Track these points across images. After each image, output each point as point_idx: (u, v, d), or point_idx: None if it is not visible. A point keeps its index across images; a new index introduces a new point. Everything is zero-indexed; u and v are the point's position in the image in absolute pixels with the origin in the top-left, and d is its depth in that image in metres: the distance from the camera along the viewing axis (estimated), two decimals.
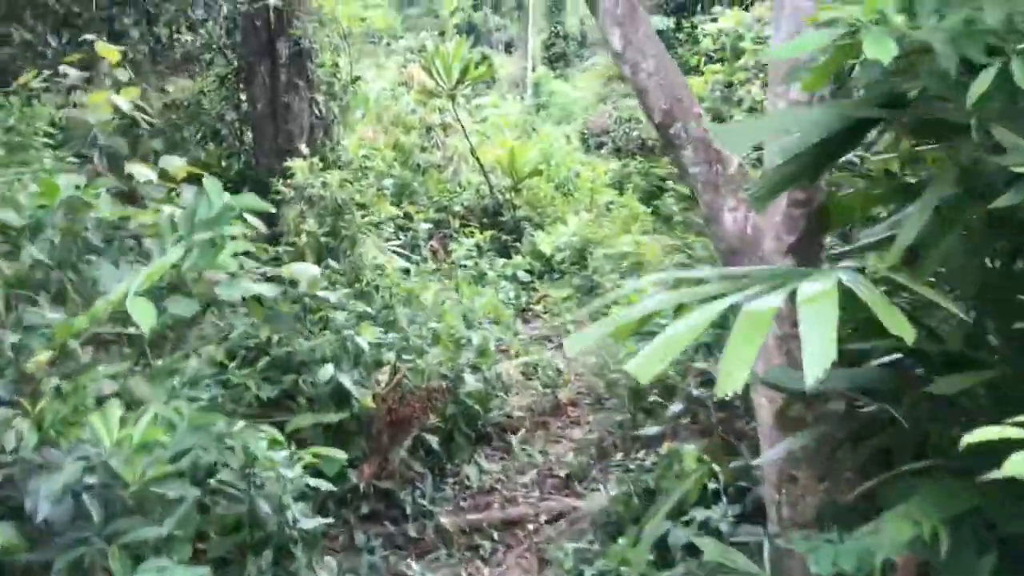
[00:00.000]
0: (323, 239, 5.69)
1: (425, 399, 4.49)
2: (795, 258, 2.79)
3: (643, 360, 1.76)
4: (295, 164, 5.92)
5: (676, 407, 3.84)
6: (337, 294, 4.77)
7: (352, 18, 8.12)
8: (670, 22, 17.47)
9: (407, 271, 6.73)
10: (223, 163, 8.04)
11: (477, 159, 11.91)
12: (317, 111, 7.74)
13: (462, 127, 11.98)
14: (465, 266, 8.85)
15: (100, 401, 3.09)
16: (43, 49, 6.30)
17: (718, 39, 11.57)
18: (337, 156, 7.61)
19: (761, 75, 13.12)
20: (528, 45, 38.32)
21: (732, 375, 1.65)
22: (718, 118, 8.05)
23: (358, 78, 8.43)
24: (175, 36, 7.32)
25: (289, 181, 5.96)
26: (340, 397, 4.53)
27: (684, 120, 3.02)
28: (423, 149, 11.75)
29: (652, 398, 4.36)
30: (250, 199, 2.86)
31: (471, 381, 4.98)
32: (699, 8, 18.03)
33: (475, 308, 5.85)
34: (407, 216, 8.06)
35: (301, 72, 7.49)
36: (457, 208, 10.99)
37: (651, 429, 3.94)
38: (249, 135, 7.86)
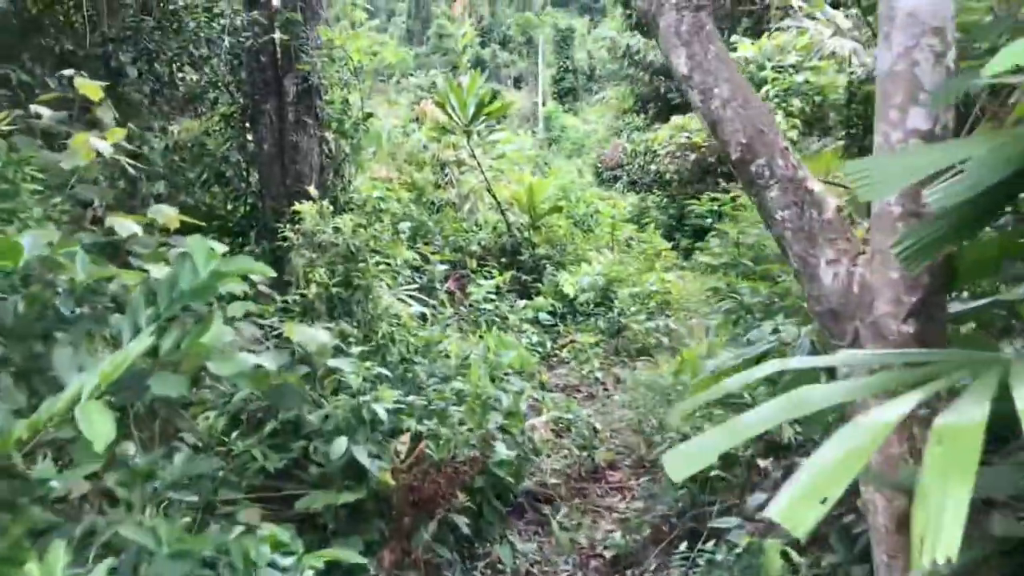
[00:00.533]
0: (334, 289, 5.18)
1: (451, 474, 3.93)
2: (916, 323, 2.26)
3: (794, 504, 1.22)
4: (304, 208, 5.43)
5: (757, 498, 3.26)
6: (351, 360, 4.24)
7: (363, 53, 7.69)
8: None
9: (424, 317, 6.23)
10: (229, 206, 7.61)
11: (494, 196, 11.46)
12: (327, 150, 7.30)
13: (478, 163, 11.55)
14: (485, 310, 8.35)
15: (82, 500, 2.60)
16: (40, 92, 5.91)
17: (746, 68, 11.17)
18: (349, 197, 7.14)
19: (784, 104, 12.72)
20: (538, 80, 38.39)
21: (941, 535, 1.10)
22: None
23: (370, 115, 7.99)
24: (178, 74, 6.90)
25: (298, 226, 5.48)
26: (355, 472, 4.01)
27: (768, 155, 2.52)
28: (437, 186, 11.31)
29: (713, 471, 3.80)
30: (245, 261, 2.36)
31: (502, 449, 4.42)
32: None
33: (502, 363, 5.30)
34: (423, 257, 7.58)
35: (310, 110, 7.06)
36: (474, 248, 10.51)
37: (727, 521, 3.36)
38: (256, 176, 7.42)
